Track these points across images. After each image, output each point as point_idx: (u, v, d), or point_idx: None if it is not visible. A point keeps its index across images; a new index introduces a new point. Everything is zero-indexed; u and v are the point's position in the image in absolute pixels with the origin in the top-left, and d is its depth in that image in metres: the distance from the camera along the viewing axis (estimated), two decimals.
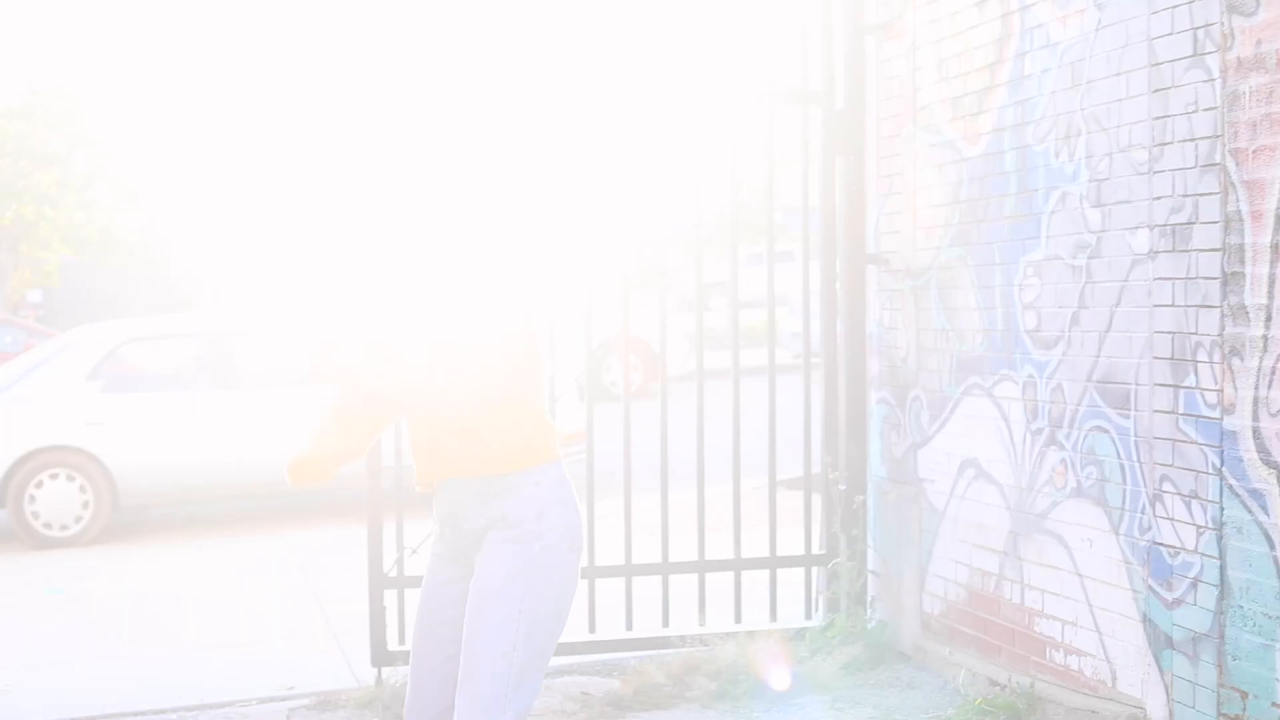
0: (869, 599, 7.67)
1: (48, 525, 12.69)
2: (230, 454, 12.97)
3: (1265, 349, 5.11)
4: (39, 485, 12.71)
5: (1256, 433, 5.16)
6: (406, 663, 7.17)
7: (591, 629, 7.51)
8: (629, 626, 7.58)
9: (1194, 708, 5.49)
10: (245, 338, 13.71)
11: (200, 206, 24.71)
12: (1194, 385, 5.47)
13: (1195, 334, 5.46)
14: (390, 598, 7.39)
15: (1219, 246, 5.33)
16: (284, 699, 7.28)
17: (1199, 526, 5.46)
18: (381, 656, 7.24)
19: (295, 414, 13.08)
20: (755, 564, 7.72)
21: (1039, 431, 6.42)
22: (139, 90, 24.80)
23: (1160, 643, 5.68)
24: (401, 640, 7.27)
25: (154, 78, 24.46)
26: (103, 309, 28.41)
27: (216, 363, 13.47)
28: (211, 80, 23.38)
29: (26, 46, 23.86)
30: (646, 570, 7.59)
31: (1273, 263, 5.08)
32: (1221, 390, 5.33)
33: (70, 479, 12.76)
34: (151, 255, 29.30)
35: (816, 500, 7.94)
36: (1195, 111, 5.43)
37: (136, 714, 7.16)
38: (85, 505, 12.78)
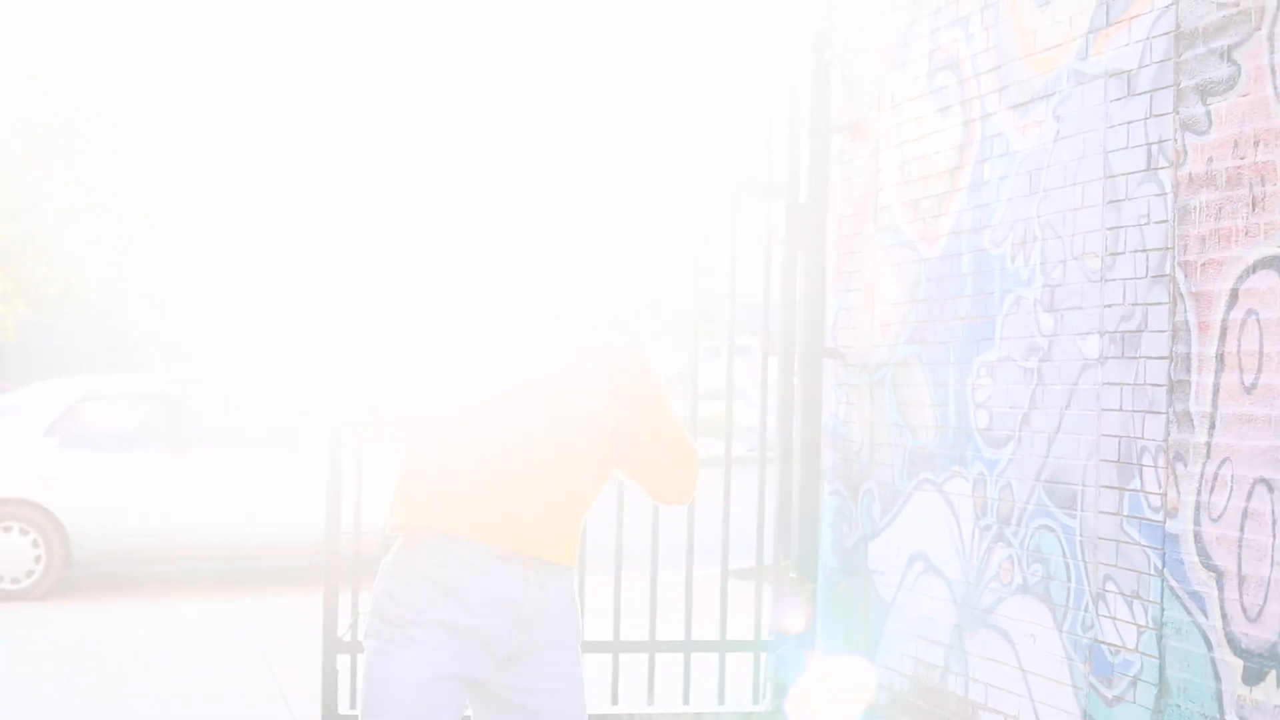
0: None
1: None
2: (184, 515, 13.03)
3: (1208, 455, 5.28)
4: None
5: (1198, 536, 5.32)
6: None
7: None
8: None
9: None
10: (201, 399, 13.80)
11: (170, 261, 24.69)
12: (1139, 488, 5.64)
13: (1141, 439, 5.63)
14: (343, 662, 7.48)
15: (1166, 355, 5.51)
16: None
17: (1140, 626, 5.61)
18: (333, 718, 7.34)
19: (249, 477, 13.19)
20: (705, 647, 7.84)
21: (987, 528, 6.58)
22: (107, 142, 24.84)
23: None
24: (352, 705, 7.36)
25: (122, 127, 24.50)
26: (59, 366, 28.37)
27: (172, 423, 13.54)
28: (193, 123, 23.43)
29: None
30: (598, 648, 7.70)
31: (1217, 372, 5.26)
32: (1165, 494, 5.50)
33: (24, 533, 12.80)
34: (112, 314, 29.30)
35: (768, 590, 8.06)
36: (1147, 224, 5.62)
37: None
38: (37, 560, 12.81)
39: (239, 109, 22.47)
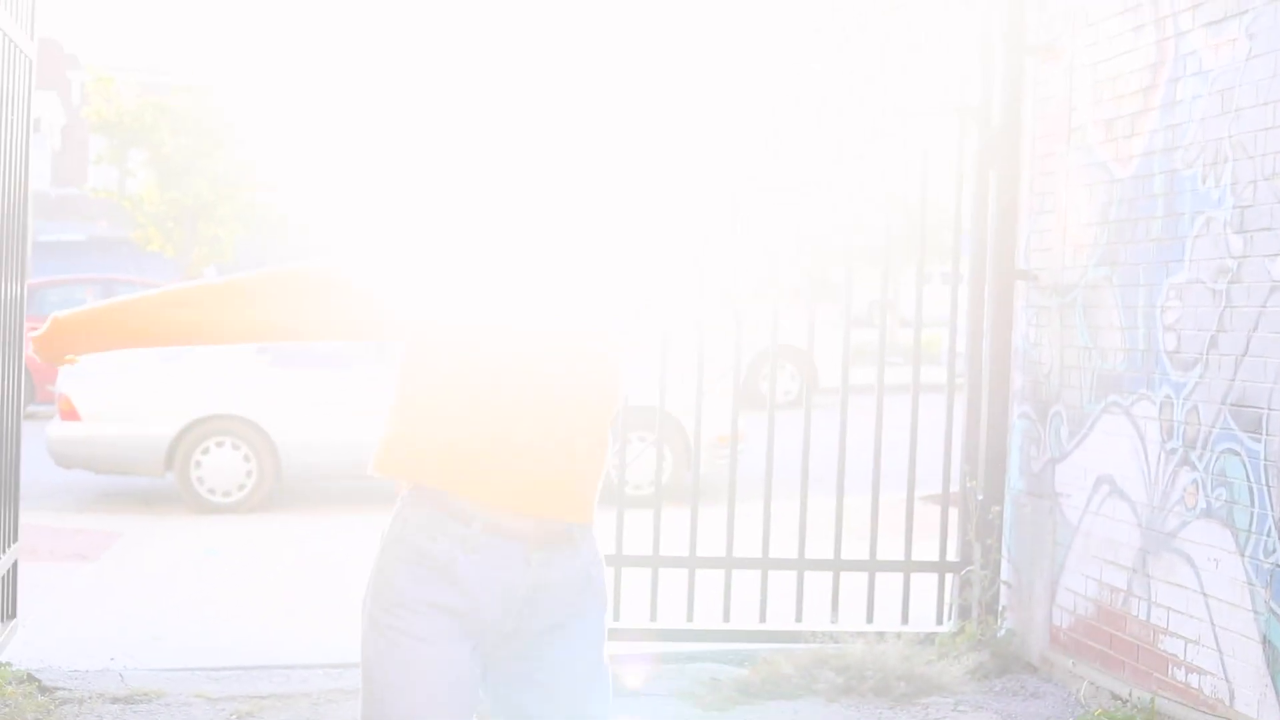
0: (1000, 608, 7.79)
1: (211, 491, 13.16)
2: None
3: None
4: (205, 452, 13.19)
5: None
6: None
7: (726, 618, 7.73)
8: (762, 618, 7.79)
9: None
10: None
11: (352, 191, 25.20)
12: None
13: None
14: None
15: None
16: None
17: None
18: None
19: None
20: (890, 566, 7.89)
21: (1173, 451, 6.53)
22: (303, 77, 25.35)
23: (1278, 664, 5.77)
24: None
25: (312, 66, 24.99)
26: None
27: (380, 342, 13.80)
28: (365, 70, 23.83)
29: (206, 28, 24.57)
30: (782, 565, 7.80)
31: None
32: None
33: (235, 448, 13.22)
34: (320, 235, 30.01)
35: (955, 514, 8.07)
36: None
37: (282, 666, 7.50)
38: (249, 474, 13.23)
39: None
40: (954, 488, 8.02)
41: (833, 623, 7.79)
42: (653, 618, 7.81)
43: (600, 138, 3.46)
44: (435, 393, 3.32)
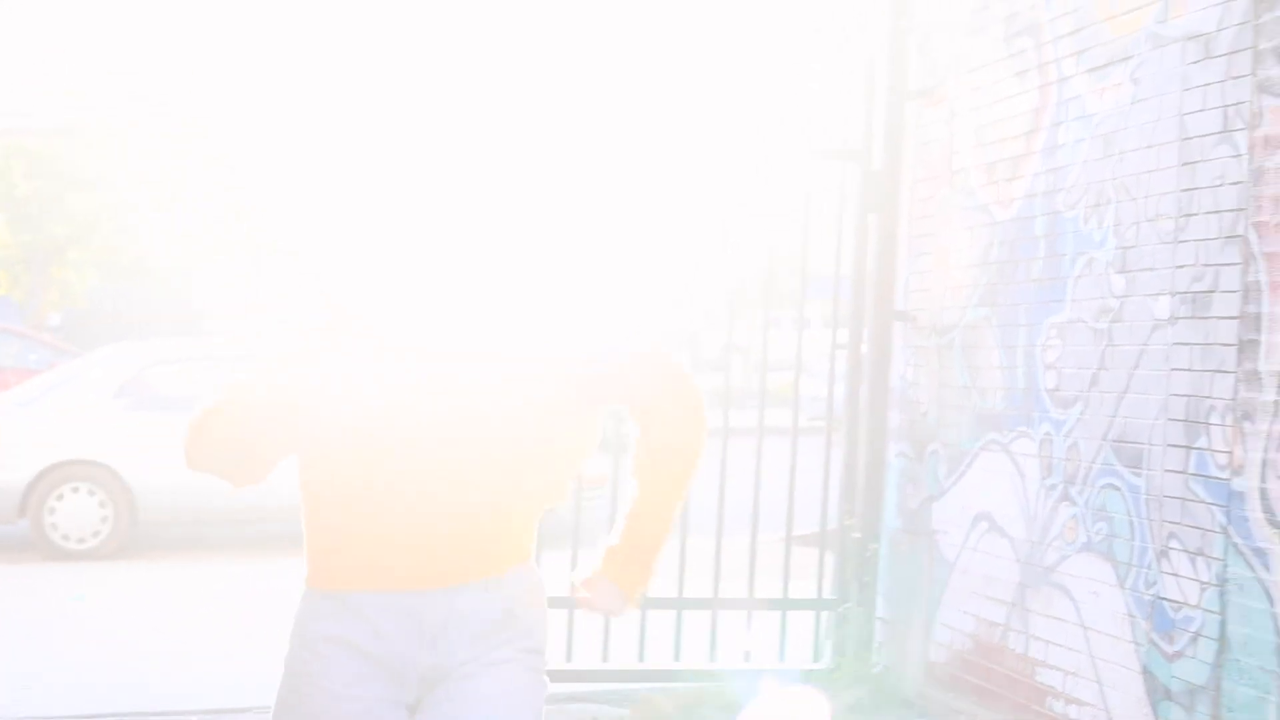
0: (876, 645, 7.87)
1: (65, 537, 12.89)
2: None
3: (1276, 414, 5.34)
4: (59, 498, 12.93)
5: (1264, 493, 5.38)
6: None
7: (604, 658, 7.71)
8: (641, 657, 7.78)
9: None
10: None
11: (232, 230, 24.92)
12: (1205, 447, 5.70)
13: (1209, 398, 5.69)
14: None
15: (1237, 314, 5.56)
16: None
17: (1203, 582, 5.67)
18: None
19: None
20: (767, 604, 7.93)
21: (1053, 487, 6.65)
22: (178, 113, 25.08)
23: (1158, 694, 5.89)
24: None
25: (193, 96, 24.73)
26: (122, 331, 28.71)
27: None
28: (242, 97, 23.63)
29: (67, 66, 24.19)
30: (661, 604, 7.81)
31: None
32: (1231, 452, 5.55)
33: (91, 493, 12.98)
34: (174, 281, 29.62)
35: (831, 554, 8.13)
36: (1221, 185, 5.68)
37: (158, 714, 7.37)
38: (104, 520, 12.99)
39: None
40: (832, 526, 8.10)
41: (711, 661, 7.81)
42: None
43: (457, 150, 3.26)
44: (311, 498, 3.18)
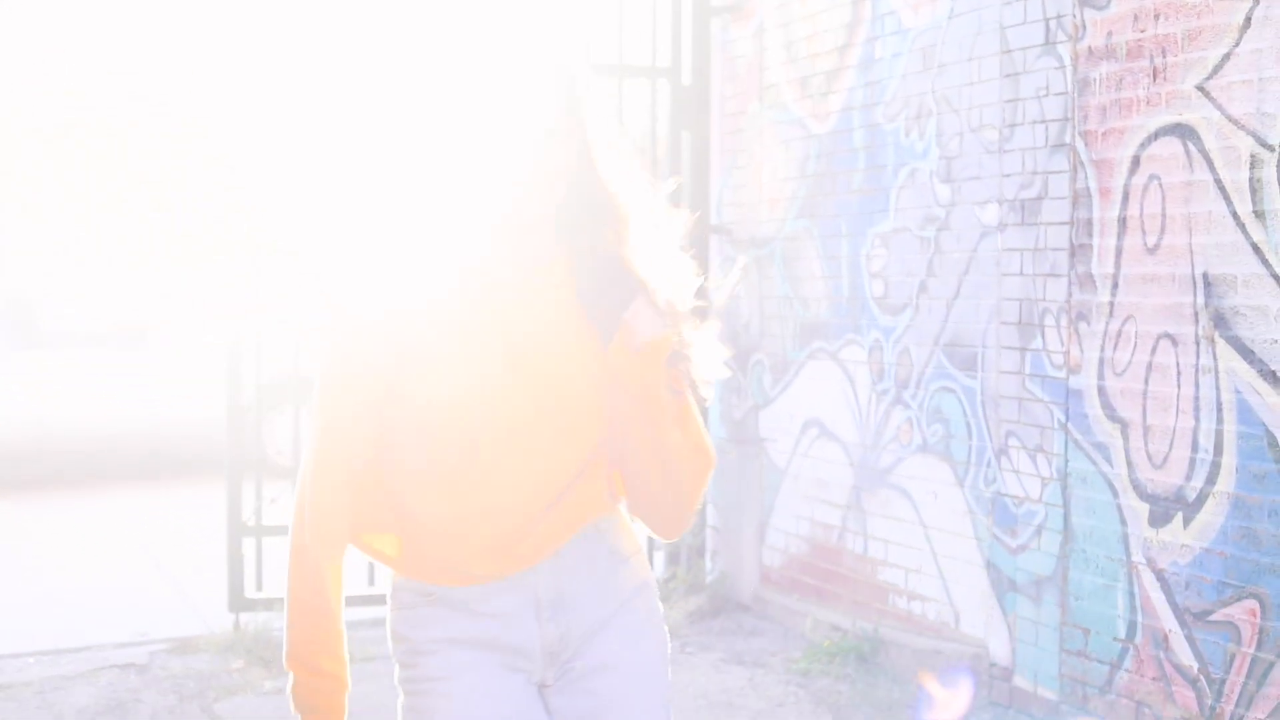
0: (709, 553, 8.06)
1: None
2: (30, 412, 12.85)
3: (1111, 314, 5.59)
4: None
5: (1102, 390, 5.64)
6: (263, 609, 7.41)
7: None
8: None
9: (1036, 645, 5.97)
10: (50, 299, 13.60)
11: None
12: (1040, 348, 5.95)
13: (1043, 301, 5.93)
14: (249, 546, 7.56)
15: (1068, 220, 5.80)
16: (142, 644, 7.44)
17: (1044, 478, 5.94)
18: (239, 603, 7.48)
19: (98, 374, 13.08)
20: None
21: (884, 392, 6.86)
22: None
23: (1004, 586, 6.15)
24: (259, 587, 7.49)
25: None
26: None
27: (19, 322, 13.33)
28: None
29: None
30: None
31: (1119, 235, 5.56)
32: (1068, 352, 5.81)
33: None
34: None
35: None
36: (1046, 96, 5.89)
37: None
38: None
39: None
40: None
41: None
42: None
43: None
44: (411, 488, 2.90)
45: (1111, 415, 5.61)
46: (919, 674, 6.33)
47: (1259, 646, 4.97)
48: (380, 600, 7.50)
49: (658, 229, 2.94)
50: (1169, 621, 5.35)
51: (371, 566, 7.61)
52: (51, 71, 21.66)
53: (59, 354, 13.17)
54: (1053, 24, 5.86)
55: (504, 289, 2.85)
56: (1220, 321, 5.11)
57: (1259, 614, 4.97)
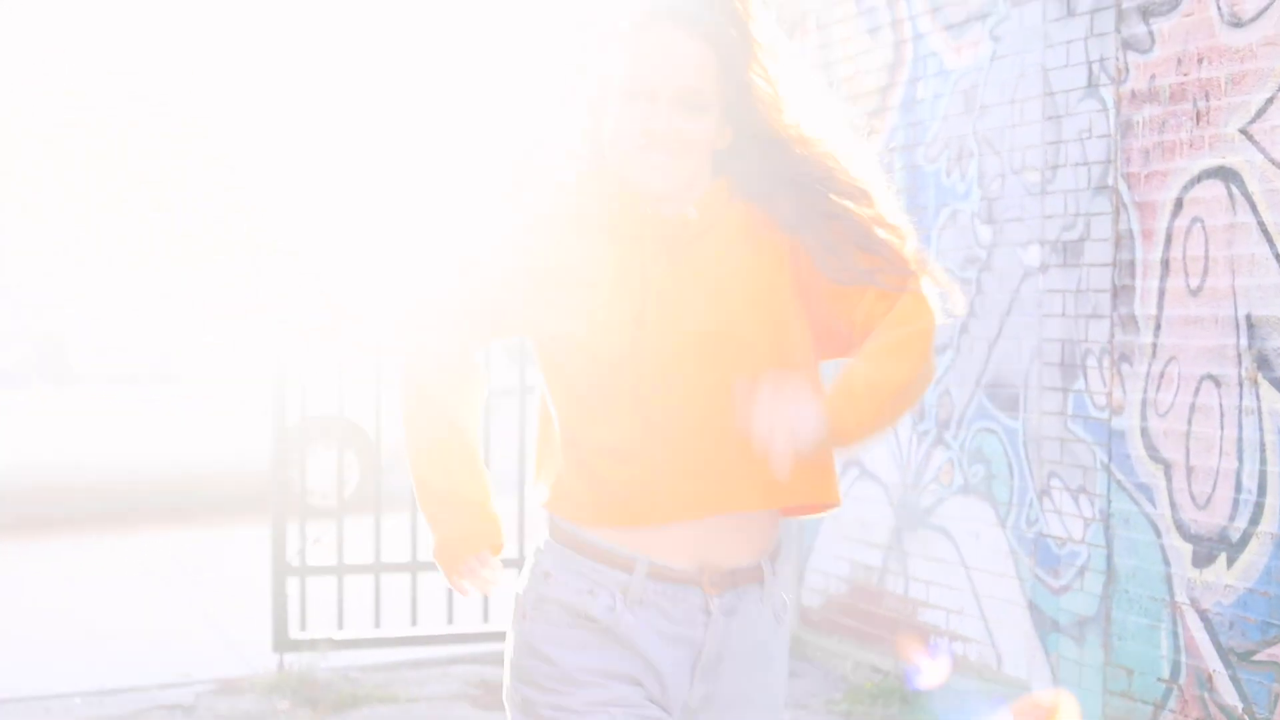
0: None
1: None
2: (69, 452, 12.85)
3: (1154, 355, 5.61)
4: None
5: (1144, 431, 5.66)
6: (307, 650, 7.44)
7: (485, 619, 7.79)
8: (486, 619, 7.84)
9: (1079, 686, 5.97)
10: (83, 336, 13.63)
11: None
12: (1083, 389, 5.96)
13: (1085, 342, 5.95)
14: (293, 586, 7.60)
15: (1110, 261, 5.82)
16: (186, 684, 7.46)
17: (1086, 518, 5.94)
18: (284, 643, 7.50)
19: (133, 413, 13.11)
20: None
21: (925, 433, 6.88)
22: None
23: (1046, 627, 6.16)
24: (303, 627, 7.52)
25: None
26: None
27: (54, 361, 13.36)
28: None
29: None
30: (516, 565, 7.90)
31: (1162, 277, 5.58)
32: (1110, 393, 5.82)
33: None
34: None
35: None
36: (1089, 138, 5.92)
37: (38, 698, 7.28)
38: None
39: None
40: None
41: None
42: (376, 623, 7.80)
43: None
44: (577, 420, 2.75)
45: (1154, 456, 5.62)
46: (962, 716, 6.33)
47: None
48: (459, 639, 7.50)
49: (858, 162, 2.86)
50: (1213, 662, 5.35)
51: (450, 607, 7.64)
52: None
53: (93, 389, 13.19)
54: (1095, 67, 5.89)
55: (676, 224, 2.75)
56: (1263, 363, 5.12)
57: None
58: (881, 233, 2.77)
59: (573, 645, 2.71)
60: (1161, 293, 5.59)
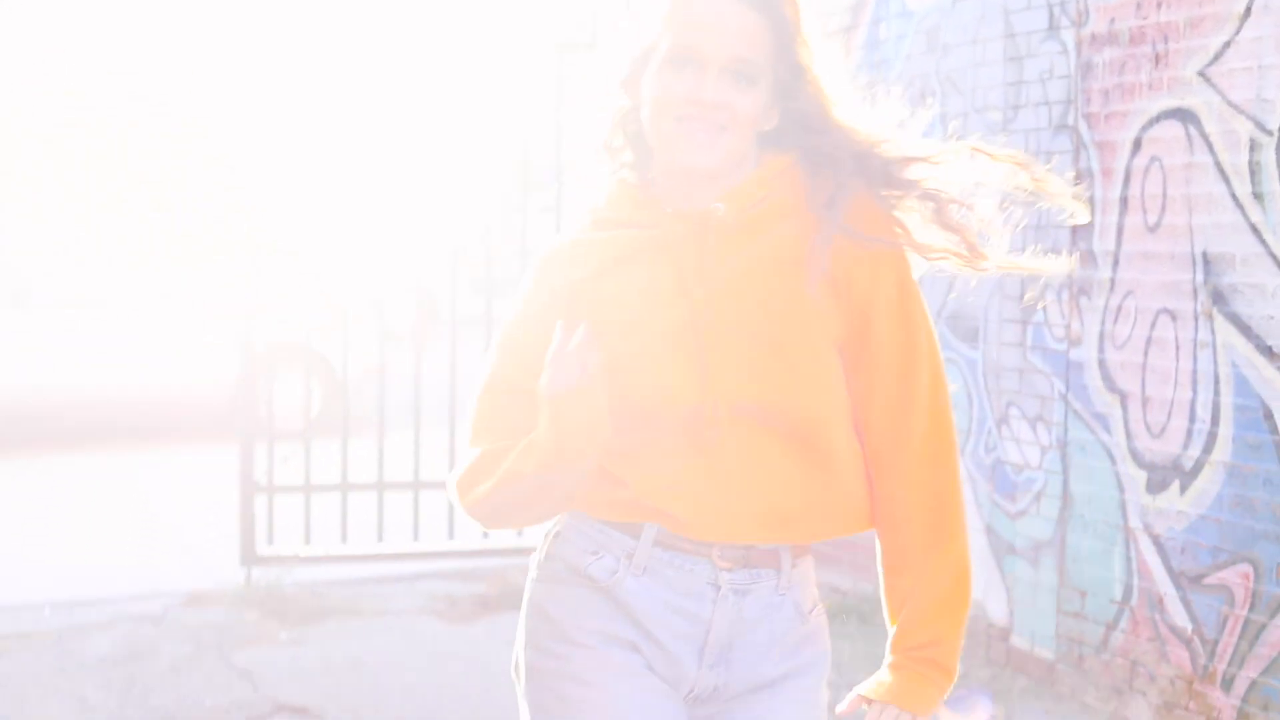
0: None
1: None
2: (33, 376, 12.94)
3: (1112, 289, 5.83)
4: None
5: (1102, 363, 5.89)
6: (274, 565, 7.64)
7: (451, 536, 7.98)
8: (485, 534, 8.05)
9: (1033, 607, 6.22)
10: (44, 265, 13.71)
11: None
12: (1042, 321, 6.18)
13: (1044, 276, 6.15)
14: (260, 503, 7.78)
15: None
16: (155, 597, 7.63)
17: (1043, 446, 6.18)
18: (251, 558, 7.71)
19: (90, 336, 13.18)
20: None
21: None
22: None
23: (1003, 550, 6.40)
24: (270, 544, 7.72)
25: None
26: None
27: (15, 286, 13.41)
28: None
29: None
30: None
31: (1121, 214, 5.79)
32: (1069, 326, 6.05)
33: None
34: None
35: None
36: (1050, 79, 6.12)
37: (9, 607, 7.42)
38: None
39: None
40: None
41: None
42: (343, 539, 7.99)
43: None
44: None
45: (1111, 387, 5.85)
46: None
47: (1251, 609, 5.22)
48: (424, 556, 7.70)
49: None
50: (1164, 584, 5.60)
51: (416, 524, 7.85)
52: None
53: (59, 315, 13.23)
54: (1056, 9, 6.08)
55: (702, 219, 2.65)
56: (1219, 298, 5.35)
57: (1252, 578, 5.22)
58: (955, 215, 2.76)
59: (572, 603, 2.63)
60: (1120, 229, 5.81)
